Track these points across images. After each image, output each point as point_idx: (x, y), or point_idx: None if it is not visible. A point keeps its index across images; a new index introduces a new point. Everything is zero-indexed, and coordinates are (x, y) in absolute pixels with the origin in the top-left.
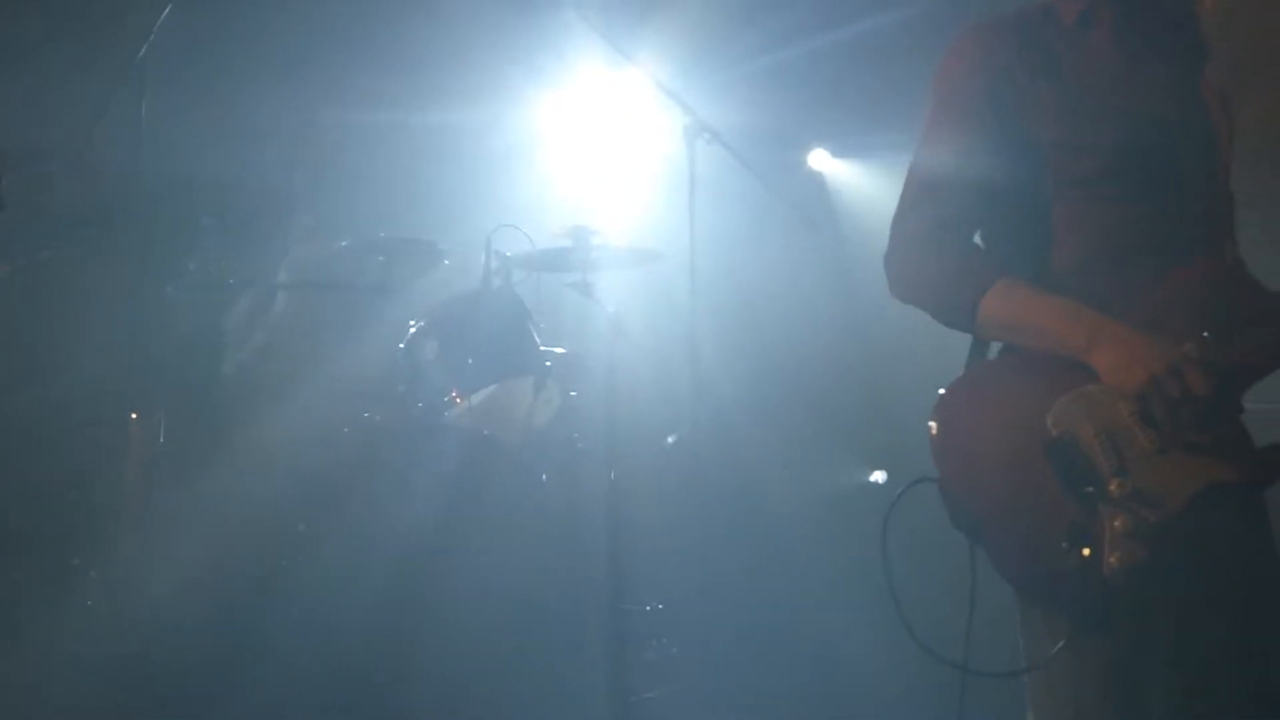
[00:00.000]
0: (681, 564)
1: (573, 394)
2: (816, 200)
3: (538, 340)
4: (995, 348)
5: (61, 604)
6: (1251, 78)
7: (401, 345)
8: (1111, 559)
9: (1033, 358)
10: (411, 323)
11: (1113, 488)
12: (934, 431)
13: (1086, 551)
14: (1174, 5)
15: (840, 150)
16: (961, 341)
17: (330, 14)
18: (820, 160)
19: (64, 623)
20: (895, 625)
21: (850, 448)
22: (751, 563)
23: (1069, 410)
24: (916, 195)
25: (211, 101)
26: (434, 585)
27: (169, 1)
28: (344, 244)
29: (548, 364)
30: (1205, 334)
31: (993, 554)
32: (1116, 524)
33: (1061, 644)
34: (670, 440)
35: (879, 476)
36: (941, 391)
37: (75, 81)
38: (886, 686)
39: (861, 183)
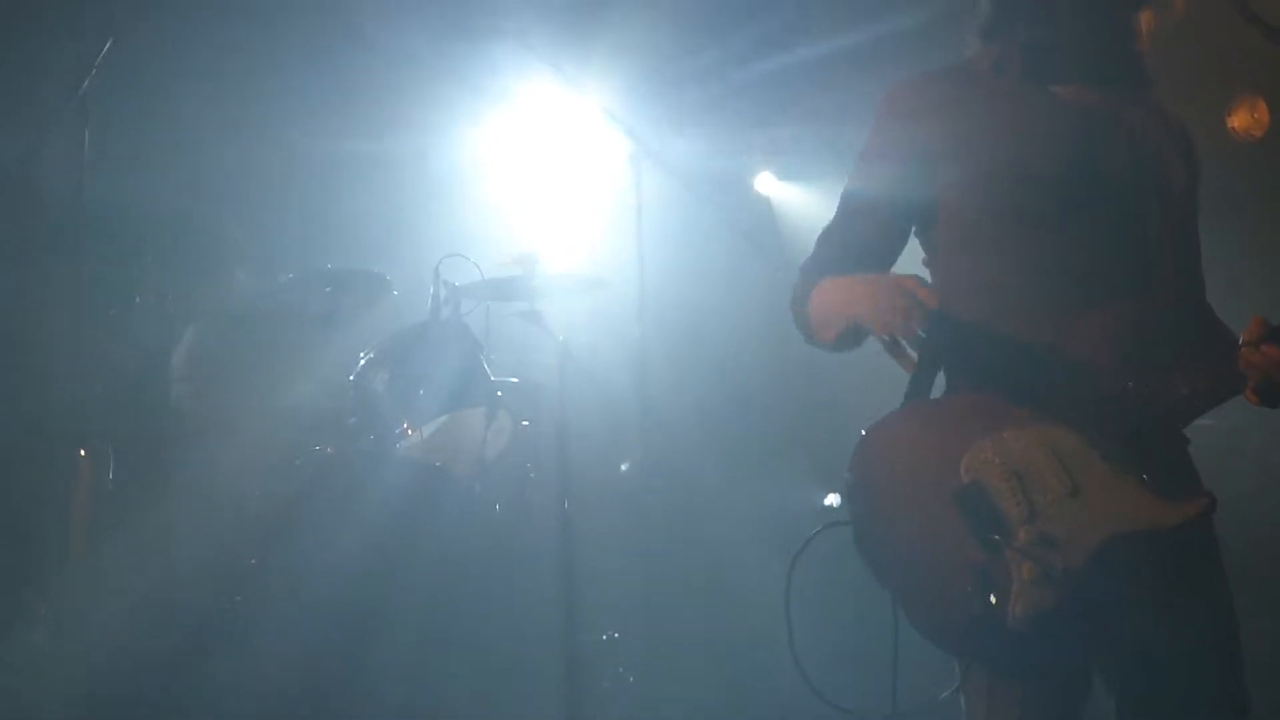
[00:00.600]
0: (637, 592)
1: (524, 424)
2: (764, 223)
3: (488, 370)
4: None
5: (11, 638)
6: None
7: (351, 377)
8: (1017, 607)
9: (955, 401)
10: (361, 354)
11: (1021, 535)
12: (849, 473)
13: (993, 599)
14: (1100, 42)
15: (787, 173)
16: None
17: (275, 45)
18: (767, 184)
19: (13, 657)
20: (849, 651)
21: (804, 471)
22: (707, 589)
23: (983, 456)
24: (834, 225)
25: (154, 133)
26: (386, 617)
27: (110, 35)
28: (290, 276)
29: (499, 394)
30: (1129, 383)
31: (902, 600)
32: (1024, 571)
33: (950, 690)
34: (623, 467)
35: (833, 499)
36: (862, 432)
37: (15, 111)
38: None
39: (809, 205)
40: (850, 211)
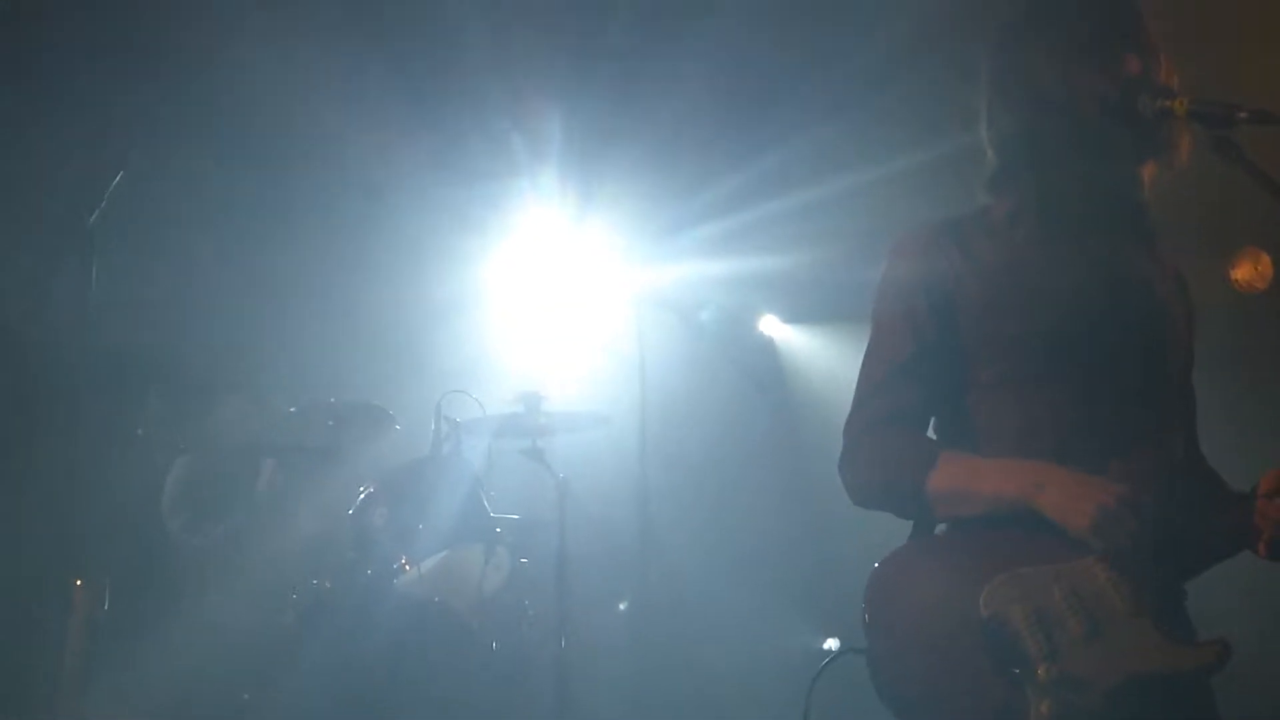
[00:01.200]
0: None
1: (523, 561)
2: (767, 364)
3: (488, 507)
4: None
5: None
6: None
7: (351, 511)
8: None
9: (968, 536)
10: (361, 488)
11: (1040, 672)
12: (866, 602)
13: None
14: (1108, 194)
15: (790, 316)
16: None
17: (283, 187)
18: (771, 325)
19: None
20: None
21: (803, 614)
22: None
23: (1001, 592)
24: (863, 396)
25: (157, 268)
26: None
27: (121, 168)
28: (293, 409)
29: (498, 530)
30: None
31: None
32: (1043, 709)
33: None
34: (621, 607)
35: (832, 644)
36: (876, 565)
37: (13, 246)
38: None
39: (812, 347)
40: (877, 380)
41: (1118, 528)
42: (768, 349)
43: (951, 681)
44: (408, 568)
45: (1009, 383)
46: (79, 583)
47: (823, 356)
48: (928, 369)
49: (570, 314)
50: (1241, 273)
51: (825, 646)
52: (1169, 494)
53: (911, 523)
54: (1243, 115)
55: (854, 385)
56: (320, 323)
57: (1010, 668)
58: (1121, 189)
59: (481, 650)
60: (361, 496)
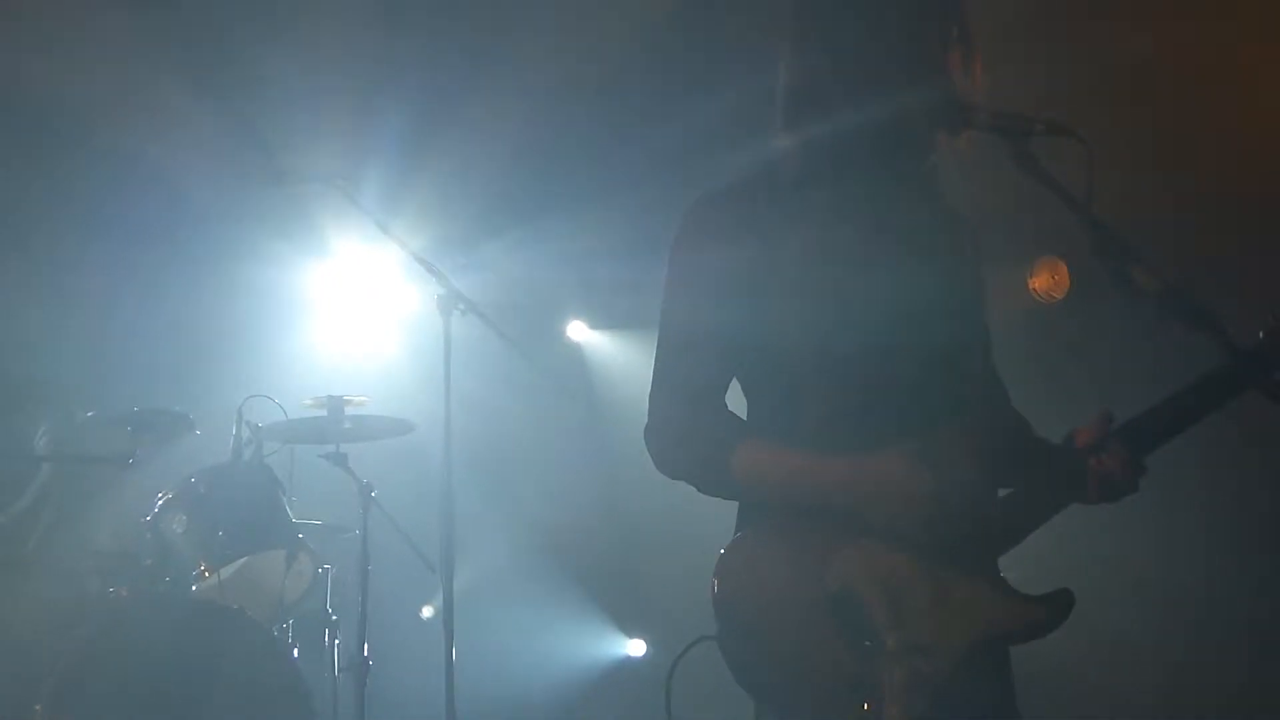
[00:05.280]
0: None
1: (326, 567)
2: (574, 370)
3: (290, 513)
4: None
5: None
6: None
7: (148, 518)
8: (892, 712)
9: (806, 514)
10: (159, 494)
11: (890, 642)
12: (715, 589)
13: (866, 706)
14: (900, 153)
15: (597, 322)
16: (721, 505)
17: (78, 190)
18: (578, 331)
19: None
20: None
21: (609, 615)
22: None
23: (846, 565)
24: (666, 367)
25: None
26: None
27: None
28: (90, 414)
29: (300, 536)
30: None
31: (776, 711)
32: (896, 678)
33: None
34: (425, 613)
35: (638, 647)
36: (722, 550)
37: None
38: None
39: (619, 353)
40: (678, 349)
41: (921, 528)
42: (575, 354)
43: (805, 660)
44: (207, 575)
45: (810, 356)
46: None
47: (629, 361)
48: (725, 339)
49: (376, 320)
50: (1040, 282)
51: (629, 652)
52: (979, 463)
53: (727, 509)
54: (1039, 127)
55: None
56: (120, 329)
57: (861, 640)
58: (915, 149)
59: (283, 658)
60: (159, 503)
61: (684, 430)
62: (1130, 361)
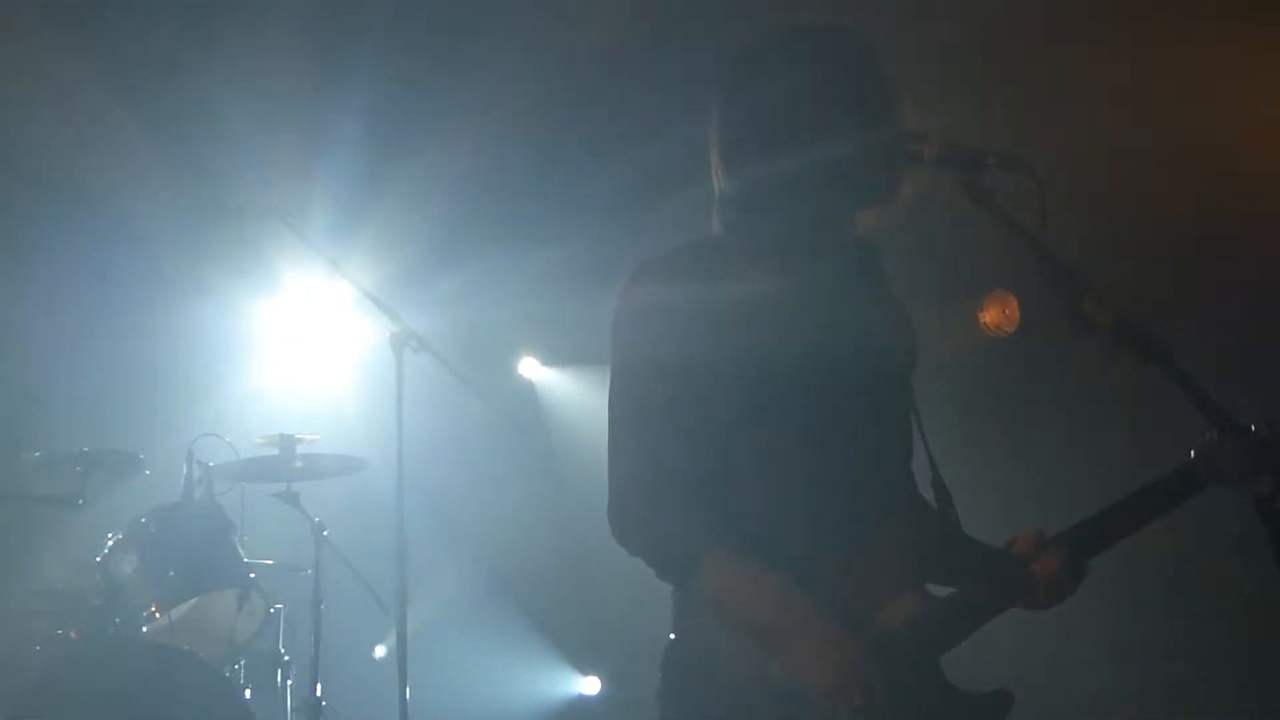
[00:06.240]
0: None
1: (278, 607)
2: (527, 407)
3: (241, 553)
4: None
5: None
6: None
7: (98, 559)
8: None
9: None
10: (110, 535)
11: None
12: (663, 687)
13: None
14: (842, 234)
15: (549, 358)
16: None
17: (23, 220)
18: (530, 368)
19: None
20: None
21: (563, 652)
22: None
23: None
24: (625, 442)
25: None
26: None
27: None
28: (37, 454)
29: (252, 575)
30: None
31: None
32: None
33: None
34: (378, 653)
35: (591, 685)
36: (670, 640)
37: None
38: None
39: (570, 389)
40: (637, 427)
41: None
42: (527, 391)
43: None
44: (158, 615)
45: (757, 426)
46: None
47: (581, 396)
48: (682, 415)
49: (328, 357)
50: (990, 316)
51: (581, 691)
52: (921, 559)
53: None
54: (991, 160)
55: (605, 425)
56: (67, 367)
57: None
58: (856, 229)
59: (234, 699)
60: (110, 544)
61: (648, 528)
62: (1083, 395)
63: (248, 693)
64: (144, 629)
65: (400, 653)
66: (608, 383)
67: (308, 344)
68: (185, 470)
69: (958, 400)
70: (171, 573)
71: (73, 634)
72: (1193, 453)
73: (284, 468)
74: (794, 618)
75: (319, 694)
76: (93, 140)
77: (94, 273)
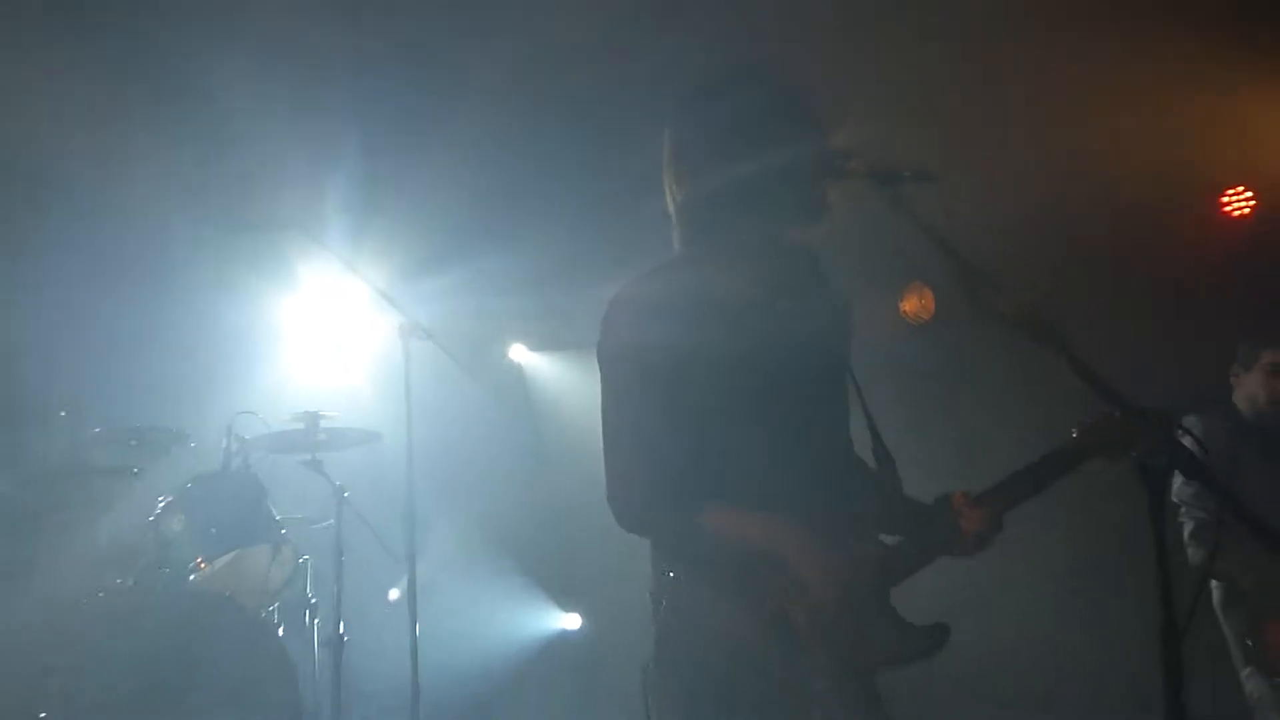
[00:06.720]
0: (405, 698)
1: (305, 558)
2: (516, 387)
3: (273, 512)
4: None
5: None
6: None
7: (150, 519)
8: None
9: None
10: (160, 499)
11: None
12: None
13: None
14: (787, 247)
15: (536, 345)
16: None
17: (95, 236)
18: (519, 354)
19: None
20: None
21: (547, 594)
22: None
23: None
24: (621, 448)
25: None
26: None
27: None
28: (98, 431)
29: (283, 532)
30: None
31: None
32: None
33: None
34: (392, 595)
35: (572, 621)
36: (664, 603)
37: None
38: None
39: (554, 372)
40: (644, 442)
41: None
42: (516, 374)
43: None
44: (202, 566)
45: (731, 415)
46: None
47: (563, 378)
48: (668, 417)
49: (345, 344)
50: (909, 305)
51: (564, 626)
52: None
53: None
54: (907, 174)
55: (584, 402)
56: (125, 357)
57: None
58: (797, 236)
59: (269, 637)
60: (160, 506)
61: (662, 516)
62: (990, 375)
63: (280, 631)
64: (190, 578)
65: (411, 596)
66: (585, 366)
67: (328, 335)
68: (224, 443)
69: (894, 379)
70: (213, 530)
71: (131, 582)
72: (1075, 431)
73: (309, 440)
74: (793, 541)
75: (341, 631)
76: (141, 168)
77: (145, 276)
